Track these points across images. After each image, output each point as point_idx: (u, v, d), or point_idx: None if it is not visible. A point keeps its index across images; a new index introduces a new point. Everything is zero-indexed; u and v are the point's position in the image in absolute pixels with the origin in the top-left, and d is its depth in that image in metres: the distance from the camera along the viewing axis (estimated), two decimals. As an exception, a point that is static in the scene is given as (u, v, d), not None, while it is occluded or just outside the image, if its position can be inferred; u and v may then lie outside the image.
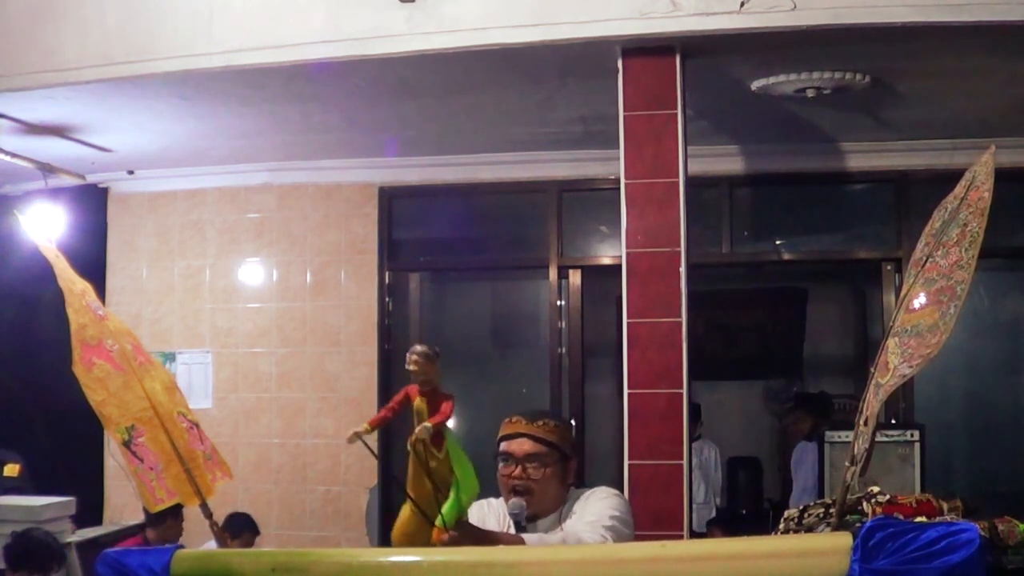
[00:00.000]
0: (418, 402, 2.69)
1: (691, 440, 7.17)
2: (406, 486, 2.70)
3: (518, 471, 3.05)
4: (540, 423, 3.11)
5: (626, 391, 4.71)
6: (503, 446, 3.09)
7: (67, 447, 7.13)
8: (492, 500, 3.22)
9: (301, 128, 6.34)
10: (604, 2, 4.62)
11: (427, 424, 2.63)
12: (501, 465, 3.08)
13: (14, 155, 6.25)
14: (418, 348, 2.69)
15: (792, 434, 7.82)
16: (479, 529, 2.81)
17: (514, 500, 2.98)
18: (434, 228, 7.60)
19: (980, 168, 2.31)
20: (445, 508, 2.62)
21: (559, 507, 3.10)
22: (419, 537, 2.65)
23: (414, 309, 8.03)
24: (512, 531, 2.96)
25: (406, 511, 2.73)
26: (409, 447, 2.68)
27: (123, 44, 5.12)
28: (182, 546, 2.34)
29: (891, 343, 2.30)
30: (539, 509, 3.05)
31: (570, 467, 3.16)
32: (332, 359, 7.21)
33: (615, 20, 4.62)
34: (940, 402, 7.74)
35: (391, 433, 7.31)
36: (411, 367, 2.66)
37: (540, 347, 7.74)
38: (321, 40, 4.90)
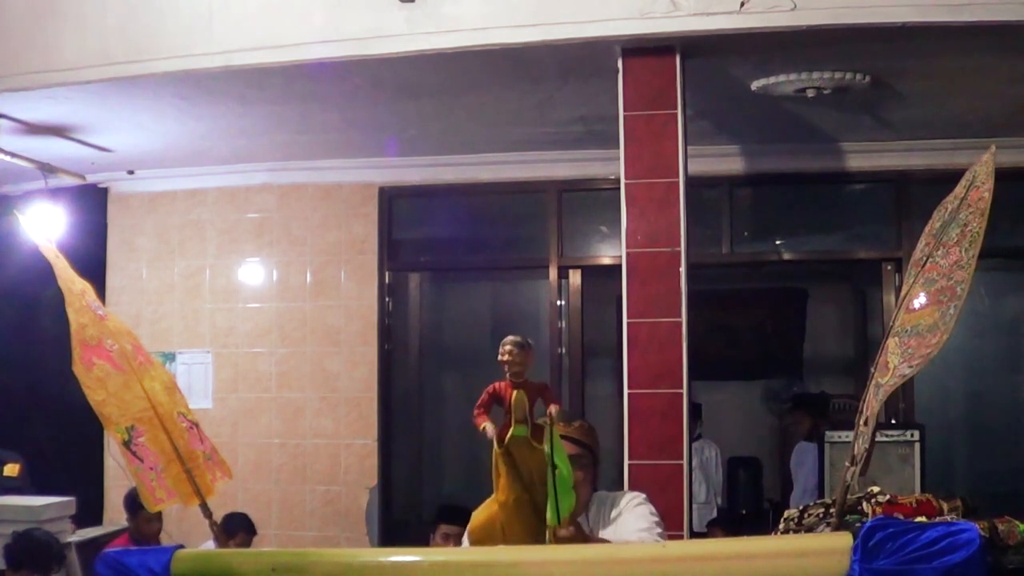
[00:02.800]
0: (516, 395, 2.58)
1: (691, 440, 7.17)
2: (496, 490, 2.57)
3: None
4: (576, 424, 3.05)
5: (626, 391, 4.71)
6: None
7: (67, 447, 7.13)
8: None
9: (301, 128, 6.34)
10: (604, 2, 4.62)
11: (554, 408, 2.52)
12: None
13: (14, 155, 6.25)
14: (510, 338, 2.56)
15: (791, 435, 7.81)
16: (581, 528, 2.74)
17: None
18: (434, 228, 7.60)
19: (980, 168, 2.32)
20: (563, 504, 2.51)
21: (586, 511, 3.07)
22: (521, 535, 2.54)
23: (414, 309, 8.03)
24: None
25: (489, 511, 2.62)
26: (498, 450, 2.56)
27: (123, 44, 5.12)
28: (182, 546, 2.34)
29: (891, 343, 2.30)
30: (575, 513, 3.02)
31: (599, 467, 3.13)
32: (332, 359, 7.21)
33: (615, 20, 4.62)
34: (940, 402, 7.74)
35: (391, 432, 7.33)
36: (505, 358, 2.55)
37: (540, 347, 7.74)
38: (321, 40, 4.90)
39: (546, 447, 2.53)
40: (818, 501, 2.51)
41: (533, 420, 2.59)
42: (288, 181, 7.32)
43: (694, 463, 7.20)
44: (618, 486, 4.77)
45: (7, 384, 7.28)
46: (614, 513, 3.06)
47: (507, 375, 2.60)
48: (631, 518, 3.02)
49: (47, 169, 6.73)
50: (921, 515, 2.31)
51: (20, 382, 7.31)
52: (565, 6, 4.65)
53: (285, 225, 7.33)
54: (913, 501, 2.39)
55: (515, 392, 2.58)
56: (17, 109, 5.69)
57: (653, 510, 3.07)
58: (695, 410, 7.39)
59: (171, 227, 7.48)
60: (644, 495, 3.17)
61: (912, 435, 5.59)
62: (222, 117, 6.00)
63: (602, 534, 2.99)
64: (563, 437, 2.95)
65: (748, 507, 8.18)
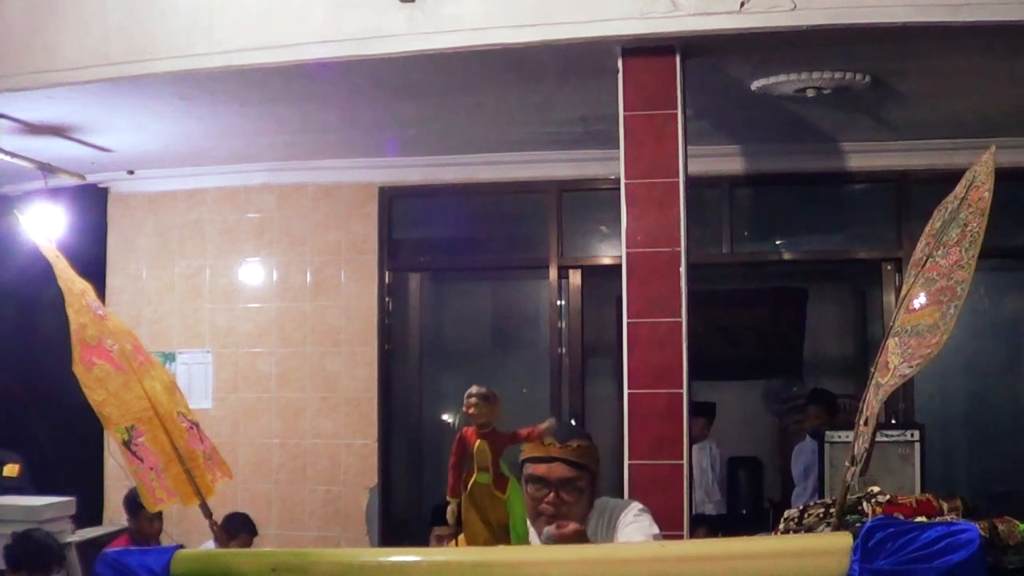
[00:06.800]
0: (479, 444, 2.56)
1: (702, 439, 7.12)
2: (458, 535, 2.56)
3: (551, 496, 2.93)
4: (574, 445, 2.98)
5: (626, 391, 4.70)
6: (534, 469, 2.95)
7: (67, 447, 7.13)
8: None
9: (301, 128, 6.34)
10: (604, 2, 4.63)
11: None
12: (531, 488, 2.94)
13: (14, 155, 6.25)
14: (474, 390, 2.56)
15: (794, 432, 7.78)
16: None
17: (548, 529, 2.80)
18: (434, 228, 7.60)
19: (980, 168, 2.31)
20: None
21: (585, 522, 3.05)
22: None
23: (414, 309, 8.04)
24: None
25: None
26: (464, 494, 2.55)
27: (123, 44, 5.12)
28: (182, 546, 2.33)
29: (891, 343, 2.30)
30: None
31: (597, 482, 3.10)
32: (332, 359, 7.21)
33: (615, 20, 4.62)
34: (940, 402, 7.74)
35: (391, 432, 7.33)
36: (470, 411, 2.54)
37: (540, 347, 7.74)
38: (321, 40, 4.90)
39: (509, 499, 2.56)
40: (818, 501, 2.51)
41: (497, 470, 2.58)
42: (288, 181, 7.32)
43: (704, 463, 7.20)
44: (618, 486, 4.77)
45: (7, 384, 7.28)
46: (612, 524, 3.04)
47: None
48: (630, 532, 2.99)
49: (47, 169, 6.73)
50: (921, 515, 2.31)
51: (20, 382, 7.31)
52: (565, 6, 4.65)
53: (285, 225, 7.33)
54: (913, 501, 2.38)
55: (478, 442, 2.57)
56: (17, 109, 5.69)
57: (651, 521, 3.04)
58: (709, 409, 7.35)
59: (171, 227, 7.48)
60: (640, 505, 3.14)
61: (912, 435, 5.58)
62: (222, 117, 6.00)
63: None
64: (560, 460, 2.93)
65: (748, 507, 8.17)
